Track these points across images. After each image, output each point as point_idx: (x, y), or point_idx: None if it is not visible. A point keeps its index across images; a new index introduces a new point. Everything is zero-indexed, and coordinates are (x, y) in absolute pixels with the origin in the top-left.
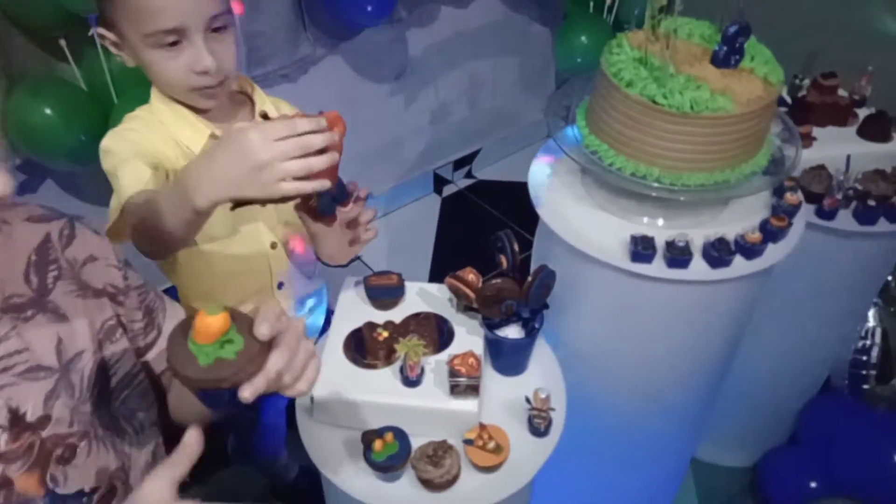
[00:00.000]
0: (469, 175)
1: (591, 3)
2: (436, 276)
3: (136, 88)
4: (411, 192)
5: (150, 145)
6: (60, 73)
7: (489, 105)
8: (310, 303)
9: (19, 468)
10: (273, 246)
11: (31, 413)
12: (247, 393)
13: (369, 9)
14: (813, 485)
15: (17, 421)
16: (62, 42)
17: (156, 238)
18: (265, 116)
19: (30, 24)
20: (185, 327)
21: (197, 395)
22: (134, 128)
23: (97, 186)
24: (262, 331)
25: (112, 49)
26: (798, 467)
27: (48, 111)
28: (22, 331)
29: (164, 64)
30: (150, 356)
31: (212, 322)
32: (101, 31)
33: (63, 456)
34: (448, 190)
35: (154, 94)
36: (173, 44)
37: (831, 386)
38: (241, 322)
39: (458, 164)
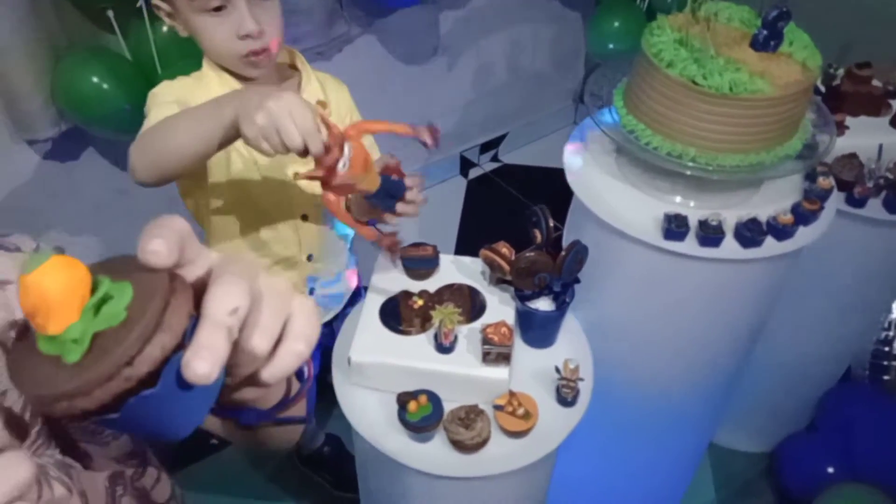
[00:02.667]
0: (495, 159)
1: None
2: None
3: (181, 60)
4: (438, 173)
5: (193, 100)
6: (107, 43)
7: (517, 89)
8: (341, 275)
9: None
10: (304, 218)
11: None
12: (200, 366)
13: None
14: (830, 470)
15: None
16: (110, 13)
17: (162, 152)
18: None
19: None
20: (24, 329)
21: (117, 427)
22: (185, 84)
23: None
24: (153, 246)
25: (166, 20)
26: (816, 453)
27: (95, 80)
28: None
29: (211, 30)
30: None
31: (44, 279)
32: (156, 1)
33: None
34: (474, 173)
35: (205, 62)
36: (218, 9)
37: (852, 375)
38: (116, 267)
39: (485, 147)
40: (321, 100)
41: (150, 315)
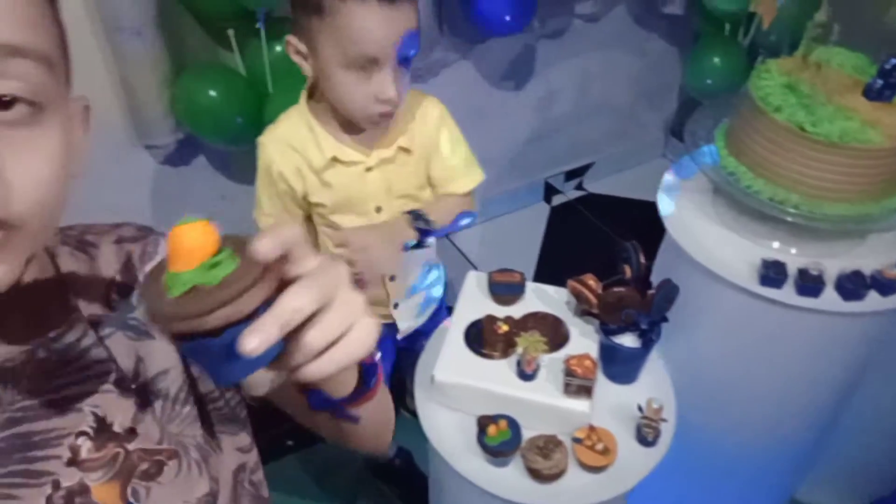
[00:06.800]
0: (580, 187)
1: (728, 26)
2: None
3: (290, 80)
4: (521, 198)
5: (280, 159)
6: (225, 60)
7: (607, 119)
8: (432, 276)
9: (100, 477)
10: (378, 210)
11: (119, 424)
12: (250, 341)
13: (507, 18)
14: None
15: (103, 429)
16: (230, 32)
17: None
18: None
19: (204, 14)
20: (161, 264)
21: (187, 354)
22: (278, 135)
23: (245, 166)
24: (260, 245)
25: (295, 57)
26: None
27: (211, 93)
28: (108, 345)
29: (352, 87)
30: None
31: (184, 233)
32: (293, 39)
33: (148, 472)
34: (557, 200)
35: (301, 103)
36: (365, 70)
37: None
38: (241, 242)
39: (570, 175)
40: (402, 146)
41: (232, 291)
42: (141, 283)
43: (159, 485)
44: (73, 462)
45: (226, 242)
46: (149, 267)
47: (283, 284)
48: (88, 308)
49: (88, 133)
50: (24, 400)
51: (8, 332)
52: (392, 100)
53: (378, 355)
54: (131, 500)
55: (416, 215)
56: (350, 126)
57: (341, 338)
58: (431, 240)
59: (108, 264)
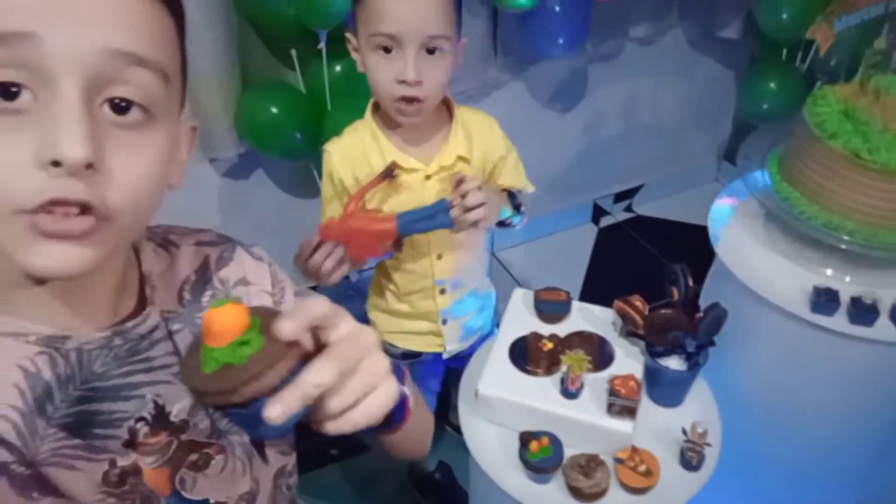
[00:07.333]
0: (629, 209)
1: (785, 51)
2: None
3: (348, 98)
4: (569, 218)
5: (340, 167)
6: (287, 78)
7: (659, 141)
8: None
9: (153, 462)
10: (439, 257)
11: (176, 414)
12: (272, 412)
13: (561, 41)
14: None
15: (161, 417)
16: (293, 52)
17: None
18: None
19: (269, 34)
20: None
21: (223, 416)
22: (343, 143)
23: (302, 181)
24: (283, 328)
25: (353, 54)
26: None
27: (273, 110)
28: (176, 340)
29: (378, 69)
30: None
31: (214, 316)
32: (349, 35)
33: (197, 463)
34: (605, 221)
35: (367, 111)
36: (388, 50)
37: None
38: (269, 316)
39: (619, 196)
40: (461, 154)
41: (257, 369)
42: (182, 356)
43: (205, 476)
44: (130, 444)
45: (256, 314)
46: (223, 272)
47: (316, 346)
48: (163, 303)
49: (193, 151)
50: (96, 381)
51: (90, 317)
52: (409, 80)
53: (407, 391)
54: (178, 487)
55: (513, 194)
56: (412, 136)
57: (361, 400)
58: (518, 220)
59: (185, 264)
